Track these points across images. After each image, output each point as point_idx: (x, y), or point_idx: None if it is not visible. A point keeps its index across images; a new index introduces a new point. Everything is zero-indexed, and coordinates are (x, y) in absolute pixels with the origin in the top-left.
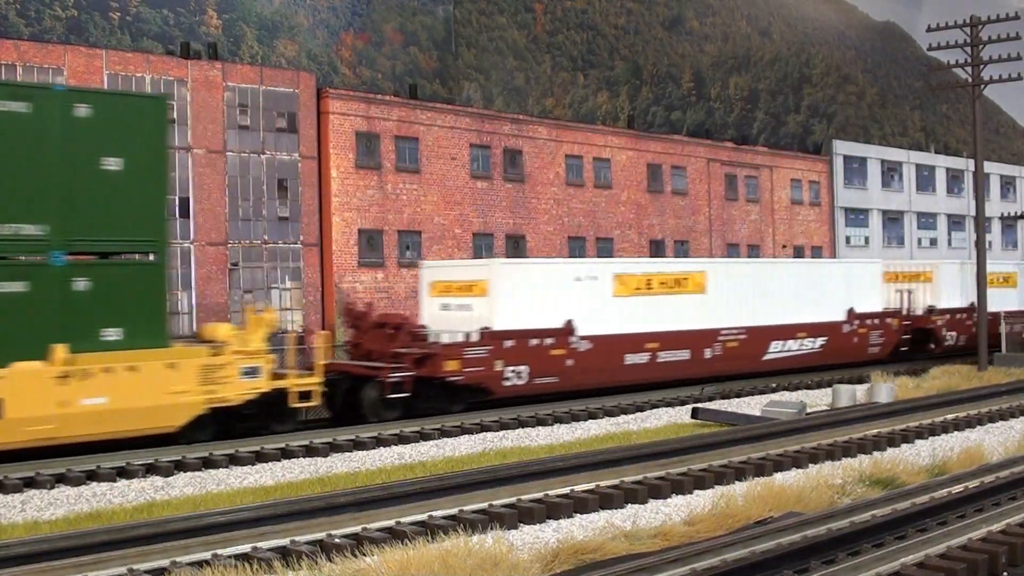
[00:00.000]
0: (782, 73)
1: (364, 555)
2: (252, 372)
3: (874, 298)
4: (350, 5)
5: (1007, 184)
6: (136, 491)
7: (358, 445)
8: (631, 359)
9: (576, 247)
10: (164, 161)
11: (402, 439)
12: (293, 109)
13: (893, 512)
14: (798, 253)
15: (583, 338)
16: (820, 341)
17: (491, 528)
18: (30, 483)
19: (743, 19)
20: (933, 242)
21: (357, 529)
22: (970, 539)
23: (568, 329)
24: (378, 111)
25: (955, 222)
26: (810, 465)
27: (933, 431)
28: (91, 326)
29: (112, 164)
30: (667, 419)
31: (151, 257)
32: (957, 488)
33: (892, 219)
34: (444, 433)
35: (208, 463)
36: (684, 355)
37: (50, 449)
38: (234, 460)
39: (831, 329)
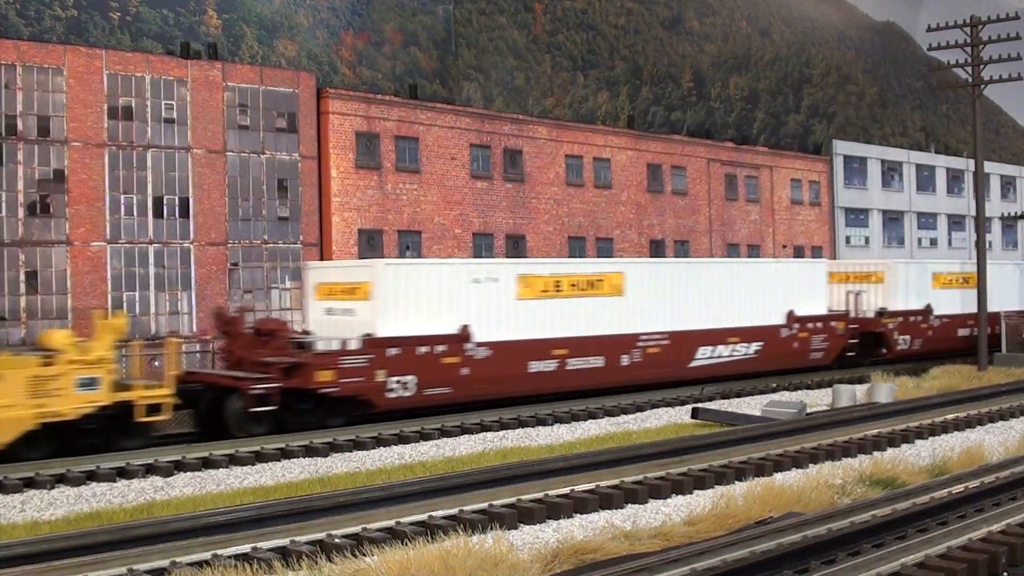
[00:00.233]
0: (782, 73)
1: (364, 555)
2: (90, 383)
3: (818, 300)
4: (350, 5)
5: (1007, 184)
6: (136, 491)
7: (358, 445)
8: (536, 367)
9: (576, 247)
10: None
11: (402, 439)
12: (293, 109)
13: (893, 512)
14: (798, 253)
15: (481, 345)
16: (755, 346)
17: (491, 528)
18: (30, 483)
19: (743, 19)
20: (933, 242)
21: (357, 529)
22: (970, 539)
23: (463, 335)
24: (378, 111)
25: (955, 222)
26: (810, 465)
27: (933, 431)
28: None
29: None
30: (667, 419)
31: None
32: (957, 488)
33: (892, 219)
34: (444, 433)
35: (208, 463)
36: (598, 362)
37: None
38: (234, 460)
39: (768, 333)
